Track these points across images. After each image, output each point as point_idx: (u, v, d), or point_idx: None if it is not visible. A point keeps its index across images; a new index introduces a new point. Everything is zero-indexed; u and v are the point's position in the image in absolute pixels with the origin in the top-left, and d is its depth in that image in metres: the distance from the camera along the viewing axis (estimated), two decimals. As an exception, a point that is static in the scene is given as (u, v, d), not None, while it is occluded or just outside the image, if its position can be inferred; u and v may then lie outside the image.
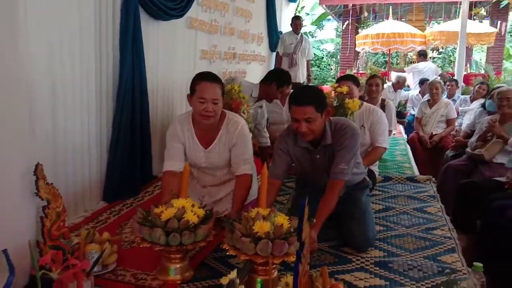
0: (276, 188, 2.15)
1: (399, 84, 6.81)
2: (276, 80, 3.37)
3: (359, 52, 11.04)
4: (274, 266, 1.60)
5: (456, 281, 1.54)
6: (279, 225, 1.59)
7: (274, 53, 6.42)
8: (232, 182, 2.26)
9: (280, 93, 3.40)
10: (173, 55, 3.42)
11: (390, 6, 10.33)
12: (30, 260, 1.46)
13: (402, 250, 2.10)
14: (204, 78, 2.06)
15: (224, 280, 1.19)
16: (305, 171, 2.25)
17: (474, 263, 1.56)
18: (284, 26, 6.61)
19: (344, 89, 2.91)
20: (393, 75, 8.35)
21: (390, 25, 9.50)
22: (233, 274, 1.20)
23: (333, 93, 3.05)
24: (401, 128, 6.11)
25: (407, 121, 6.46)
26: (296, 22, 6.06)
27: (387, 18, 10.13)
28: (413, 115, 5.99)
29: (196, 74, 2.12)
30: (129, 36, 2.69)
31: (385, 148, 3.11)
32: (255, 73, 5.91)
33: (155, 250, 1.67)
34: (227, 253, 1.65)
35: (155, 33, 3.11)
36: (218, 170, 2.29)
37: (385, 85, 7.05)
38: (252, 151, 2.30)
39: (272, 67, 6.57)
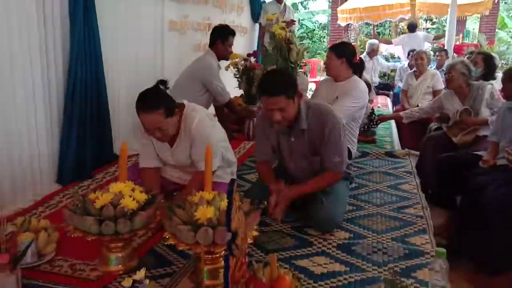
0: (268, 167, 2.16)
1: (373, 51, 6.58)
2: (218, 37, 3.34)
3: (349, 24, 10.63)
4: (218, 255, 1.45)
5: (400, 284, 1.40)
6: (224, 210, 1.44)
7: (257, 24, 6.14)
8: None
9: (229, 46, 3.41)
10: (135, 27, 3.17)
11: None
12: None
13: (369, 231, 1.96)
14: (140, 108, 1.84)
15: (126, 283, 1.03)
16: (283, 155, 2.15)
17: (436, 248, 1.42)
18: (267, -5, 6.30)
19: None
20: (383, 47, 8.06)
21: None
22: (140, 274, 1.04)
23: None
24: (388, 100, 5.93)
25: (392, 93, 6.27)
26: (279, -10, 5.75)
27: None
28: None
29: (137, 100, 1.87)
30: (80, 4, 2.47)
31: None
32: (236, 45, 5.58)
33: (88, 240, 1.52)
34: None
35: (112, 2, 2.85)
36: (188, 167, 2.13)
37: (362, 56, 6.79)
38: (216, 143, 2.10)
39: (256, 39, 6.30)
